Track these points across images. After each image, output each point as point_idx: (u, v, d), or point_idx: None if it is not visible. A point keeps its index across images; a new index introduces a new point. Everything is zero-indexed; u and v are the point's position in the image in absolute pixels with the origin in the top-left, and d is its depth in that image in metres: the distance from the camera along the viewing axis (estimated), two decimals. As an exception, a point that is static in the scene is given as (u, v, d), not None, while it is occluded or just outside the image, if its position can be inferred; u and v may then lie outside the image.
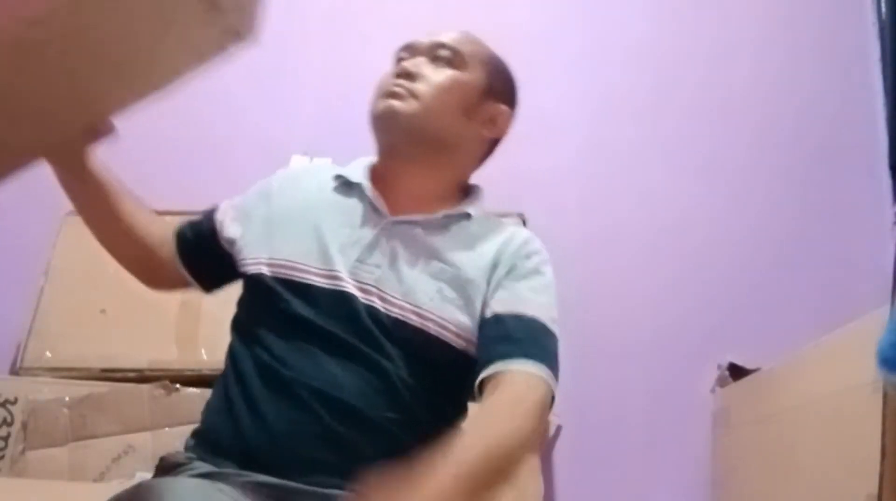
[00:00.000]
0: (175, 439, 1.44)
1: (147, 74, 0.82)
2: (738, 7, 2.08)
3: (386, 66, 1.09)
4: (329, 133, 1.91)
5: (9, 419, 1.48)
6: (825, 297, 1.80)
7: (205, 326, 1.58)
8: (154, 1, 0.72)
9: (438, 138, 1.00)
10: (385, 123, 1.00)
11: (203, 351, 1.57)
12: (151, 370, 1.54)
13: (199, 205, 1.70)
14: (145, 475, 1.39)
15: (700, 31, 2.05)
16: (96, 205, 1.03)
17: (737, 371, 1.63)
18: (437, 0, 1.99)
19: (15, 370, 1.59)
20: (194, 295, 1.64)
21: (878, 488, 0.87)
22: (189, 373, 1.54)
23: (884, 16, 2.00)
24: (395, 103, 0.99)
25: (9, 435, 1.47)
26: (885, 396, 0.91)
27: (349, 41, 2.06)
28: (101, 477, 1.44)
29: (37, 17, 0.63)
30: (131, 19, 0.71)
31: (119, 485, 1.35)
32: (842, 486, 1.02)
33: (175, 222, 1.11)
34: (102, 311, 1.62)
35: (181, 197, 1.71)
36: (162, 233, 1.09)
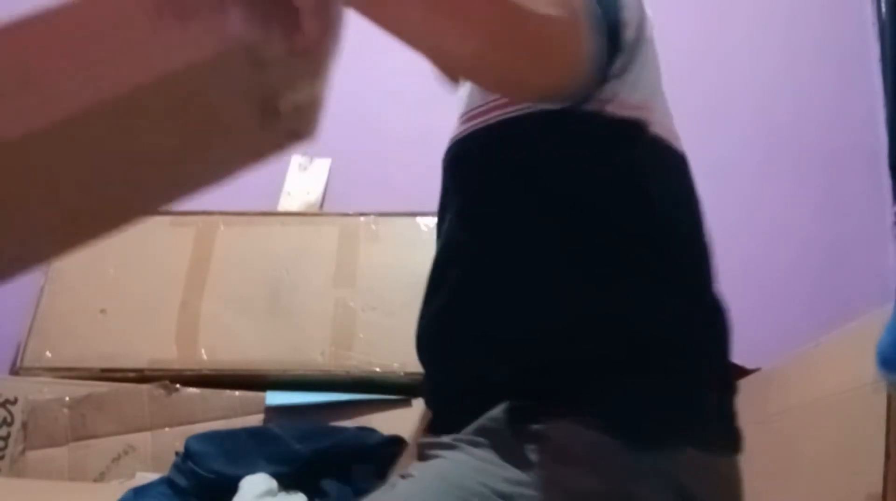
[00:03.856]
0: (175, 439, 1.44)
1: (199, 176, 0.80)
2: (737, 7, 2.08)
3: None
4: (329, 133, 1.91)
5: (9, 419, 1.48)
6: (825, 297, 1.80)
7: (205, 326, 1.58)
8: (207, 114, 0.70)
9: None
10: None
11: (203, 351, 1.57)
12: (151, 370, 1.54)
13: (198, 205, 1.70)
14: (145, 475, 1.39)
15: (699, 32, 2.05)
16: None
17: (737, 371, 1.63)
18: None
19: (15, 370, 1.59)
20: (194, 295, 1.66)
21: (883, 488, 0.87)
22: (189, 373, 1.54)
23: (884, 16, 2.00)
24: None
25: (9, 435, 1.47)
26: (889, 396, 0.91)
27: (349, 41, 2.06)
28: (101, 477, 1.44)
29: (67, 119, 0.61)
30: (182, 130, 0.70)
31: (119, 485, 1.35)
32: (843, 486, 1.02)
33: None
34: (102, 311, 1.62)
35: (181, 197, 1.71)
36: None
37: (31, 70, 0.58)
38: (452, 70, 0.78)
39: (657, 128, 0.87)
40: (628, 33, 0.78)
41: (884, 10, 2.00)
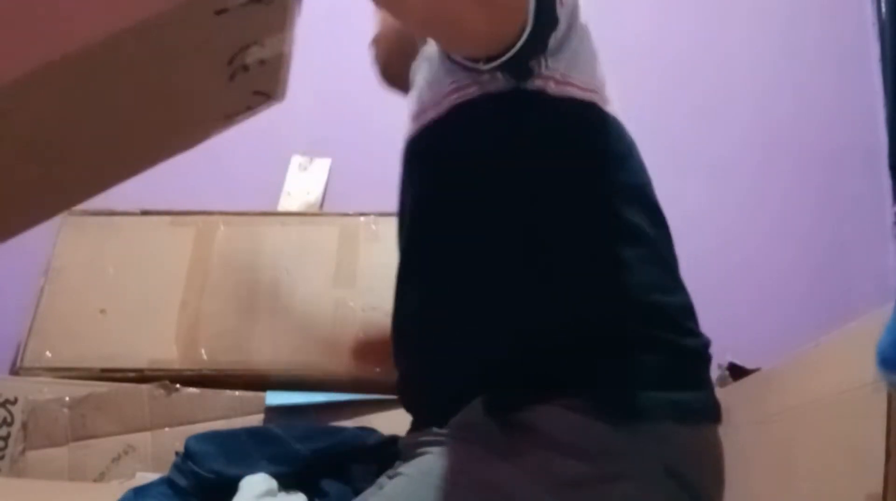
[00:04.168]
0: (175, 439, 1.44)
1: (168, 138, 0.80)
2: (737, 7, 2.08)
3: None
4: (329, 133, 1.91)
5: (9, 419, 1.48)
6: (825, 297, 1.80)
7: (205, 326, 1.58)
8: (172, 68, 0.70)
9: None
10: (387, 82, 1.09)
11: (203, 351, 1.56)
12: (151, 370, 1.54)
13: (198, 204, 1.70)
14: (145, 475, 1.39)
15: (699, 32, 2.05)
16: None
17: (737, 371, 1.63)
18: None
19: (15, 370, 1.59)
20: (194, 295, 1.66)
21: (883, 488, 0.86)
22: (189, 373, 1.54)
23: (884, 16, 2.00)
24: (375, 62, 1.08)
25: (9, 435, 1.47)
26: (889, 396, 0.91)
27: (349, 41, 2.06)
28: (101, 477, 1.44)
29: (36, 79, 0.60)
30: (148, 86, 0.69)
31: (119, 485, 1.35)
32: (843, 486, 1.02)
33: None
34: (102, 311, 1.62)
35: (181, 197, 1.71)
36: None
37: (16, 15, 0.57)
38: (407, 23, 0.81)
39: (610, 108, 0.89)
40: (562, 10, 0.81)
41: (884, 10, 2.00)
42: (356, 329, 1.59)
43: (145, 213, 1.68)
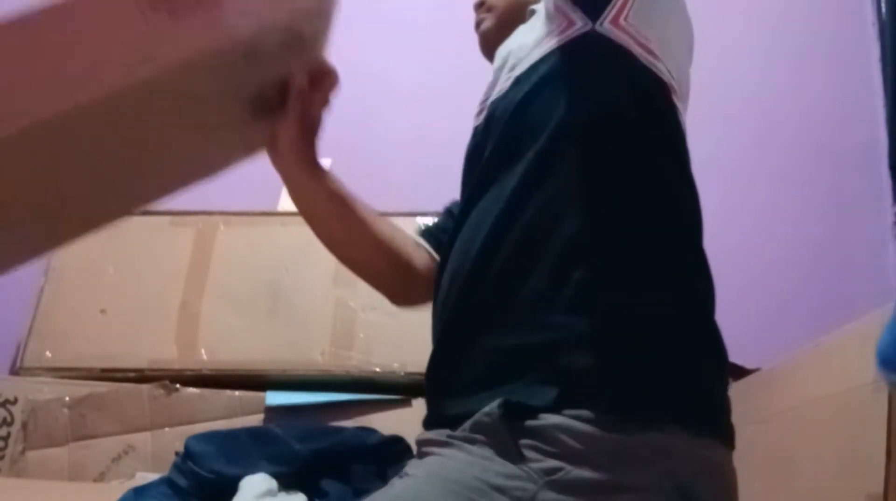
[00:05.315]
0: (175, 439, 1.44)
1: (189, 171, 0.79)
2: (737, 7, 2.08)
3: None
4: (329, 133, 1.90)
5: (9, 419, 1.48)
6: (825, 297, 1.80)
7: (205, 326, 1.58)
8: (198, 109, 0.69)
9: None
10: (485, 48, 1.07)
11: (203, 351, 1.57)
12: (151, 370, 1.54)
13: (198, 205, 1.70)
14: (145, 475, 1.39)
15: (700, 32, 2.05)
16: (335, 209, 0.96)
17: (737, 371, 1.63)
18: (437, 1, 1.99)
19: (15, 370, 1.59)
20: (194, 295, 1.66)
21: (884, 489, 0.86)
22: (189, 373, 1.54)
23: (884, 16, 2.00)
24: (482, 28, 1.07)
25: (9, 435, 1.47)
26: (890, 396, 0.91)
27: (349, 42, 2.06)
28: (101, 477, 1.44)
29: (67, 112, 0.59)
30: (172, 125, 0.68)
31: (119, 485, 1.35)
32: (843, 486, 1.02)
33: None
34: (102, 311, 1.62)
35: (181, 197, 1.70)
36: (407, 239, 1.03)
37: (26, 68, 0.56)
38: None
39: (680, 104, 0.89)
40: None
41: (884, 10, 2.00)
42: (356, 329, 1.60)
43: (145, 213, 1.68)
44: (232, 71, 0.67)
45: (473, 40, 1.11)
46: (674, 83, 0.89)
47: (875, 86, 1.98)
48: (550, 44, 0.88)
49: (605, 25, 0.86)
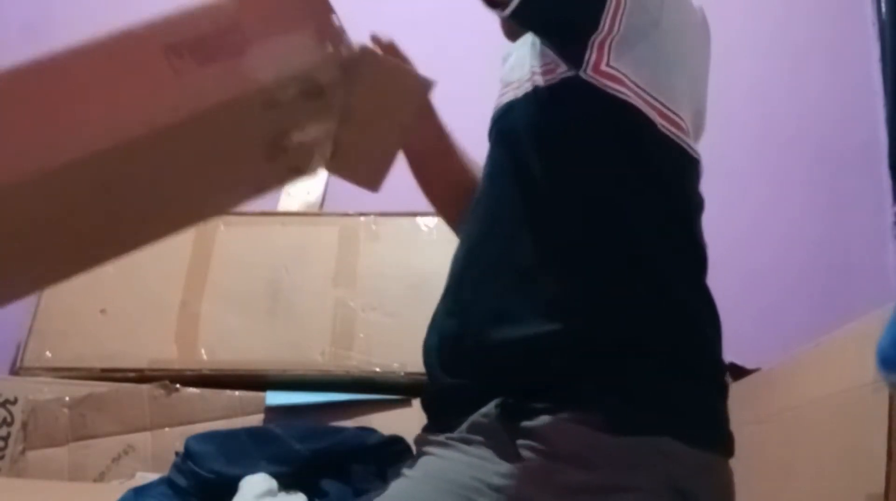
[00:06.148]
0: (175, 439, 1.44)
1: (202, 208, 0.80)
2: (737, 7, 2.08)
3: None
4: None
5: (9, 419, 1.48)
6: (825, 297, 1.80)
7: (205, 326, 1.58)
8: (216, 151, 0.69)
9: None
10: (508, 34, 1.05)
11: (203, 351, 1.57)
12: (151, 370, 1.54)
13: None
14: (145, 475, 1.39)
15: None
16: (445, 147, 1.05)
17: (737, 371, 1.63)
18: (437, 1, 1.99)
19: (15, 370, 1.59)
20: (194, 295, 1.66)
21: (885, 489, 0.86)
22: (189, 373, 1.54)
23: (884, 16, 2.00)
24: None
25: (9, 435, 1.47)
26: (890, 396, 0.91)
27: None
28: (101, 477, 1.44)
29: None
30: (190, 167, 0.69)
31: (119, 485, 1.35)
32: (844, 487, 1.02)
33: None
34: (102, 311, 1.62)
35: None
36: None
37: (54, 111, 0.57)
38: None
39: (668, 129, 0.87)
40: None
41: (884, 10, 2.00)
42: (356, 329, 1.60)
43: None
44: (251, 115, 0.68)
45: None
46: (671, 115, 0.87)
47: (875, 86, 1.98)
48: (536, 81, 0.90)
49: (588, 73, 0.84)
